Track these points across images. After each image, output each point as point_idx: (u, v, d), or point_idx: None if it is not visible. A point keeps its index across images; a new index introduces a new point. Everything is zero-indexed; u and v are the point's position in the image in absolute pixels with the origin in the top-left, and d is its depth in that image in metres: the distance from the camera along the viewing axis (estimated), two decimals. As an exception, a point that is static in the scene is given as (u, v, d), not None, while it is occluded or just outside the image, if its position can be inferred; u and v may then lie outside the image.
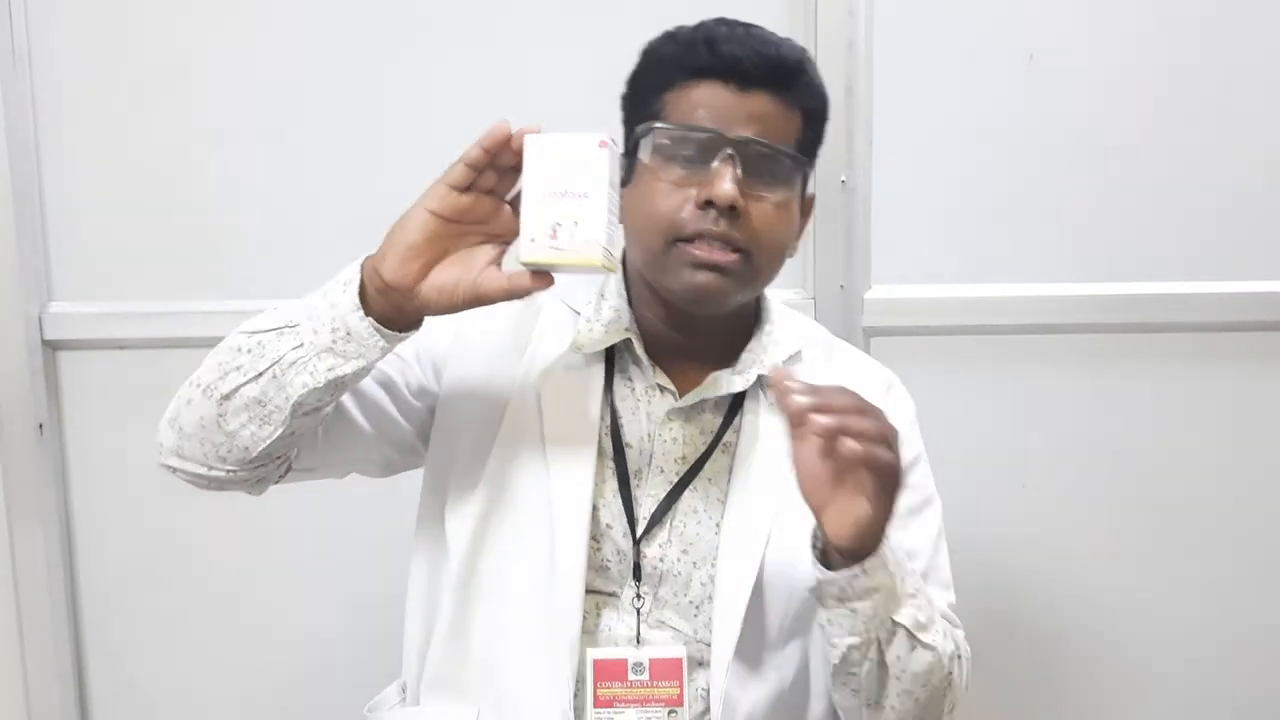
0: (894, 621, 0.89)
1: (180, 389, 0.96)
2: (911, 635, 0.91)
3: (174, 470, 0.99)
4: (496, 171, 0.85)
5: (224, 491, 0.99)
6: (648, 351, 1.02)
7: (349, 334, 0.86)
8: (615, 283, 1.04)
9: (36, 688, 1.60)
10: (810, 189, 1.04)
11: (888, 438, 0.83)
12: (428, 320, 0.96)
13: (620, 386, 1.03)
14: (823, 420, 0.81)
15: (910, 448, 1.07)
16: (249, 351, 0.89)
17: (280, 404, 0.89)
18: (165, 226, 1.54)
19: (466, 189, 0.85)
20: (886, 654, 0.90)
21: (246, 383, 0.89)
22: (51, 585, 1.58)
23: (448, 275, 0.85)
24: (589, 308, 1.03)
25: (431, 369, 1.04)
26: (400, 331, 0.88)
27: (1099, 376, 1.57)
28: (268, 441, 0.91)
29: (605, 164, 0.81)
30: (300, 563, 1.60)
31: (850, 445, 0.81)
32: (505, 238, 0.88)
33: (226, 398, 0.90)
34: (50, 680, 1.60)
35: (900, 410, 1.09)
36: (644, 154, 0.97)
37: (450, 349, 1.04)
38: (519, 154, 0.83)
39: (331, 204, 1.53)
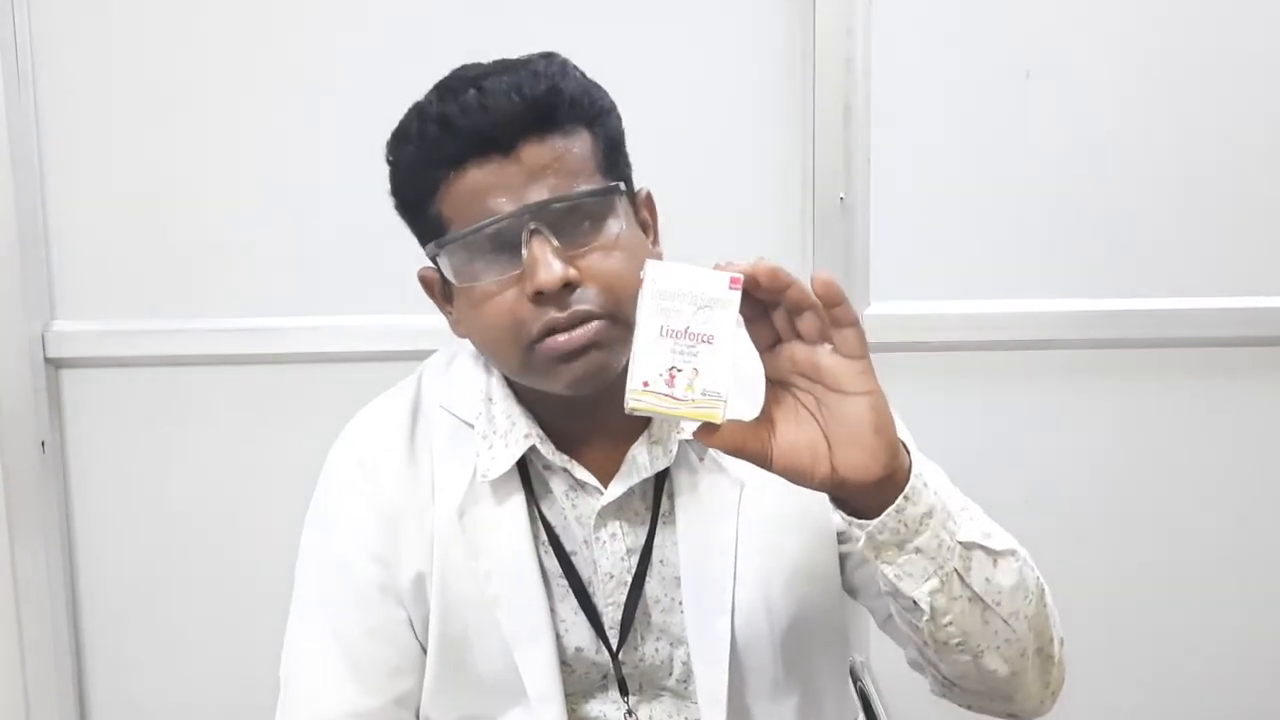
0: (962, 544, 0.78)
1: None
2: (986, 550, 0.80)
3: None
4: None
5: None
6: (554, 443, 0.93)
7: None
8: (498, 384, 0.94)
9: (38, 703, 1.60)
10: (638, 188, 0.93)
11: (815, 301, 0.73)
12: (341, 518, 0.95)
13: (542, 496, 0.94)
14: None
15: None
16: None
17: None
18: (168, 244, 1.55)
19: None
20: (972, 583, 0.78)
21: None
22: (53, 601, 1.58)
23: None
24: (480, 420, 0.93)
25: (384, 570, 0.95)
26: None
27: (1099, 391, 1.57)
28: None
29: (736, 307, 0.71)
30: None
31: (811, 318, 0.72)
32: None
33: None
34: (51, 696, 1.60)
35: None
36: (449, 274, 0.87)
37: (378, 534, 0.95)
38: None
39: (335, 221, 1.54)
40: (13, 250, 1.51)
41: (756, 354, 0.76)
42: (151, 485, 1.60)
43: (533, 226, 0.82)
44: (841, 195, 1.51)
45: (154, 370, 1.57)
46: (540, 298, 0.82)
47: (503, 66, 0.87)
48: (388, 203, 1.52)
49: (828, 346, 0.73)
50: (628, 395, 0.72)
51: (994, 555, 0.80)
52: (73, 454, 1.60)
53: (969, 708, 0.91)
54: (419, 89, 1.50)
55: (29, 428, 1.54)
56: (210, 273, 1.56)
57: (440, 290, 0.94)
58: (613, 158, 0.89)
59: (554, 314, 0.82)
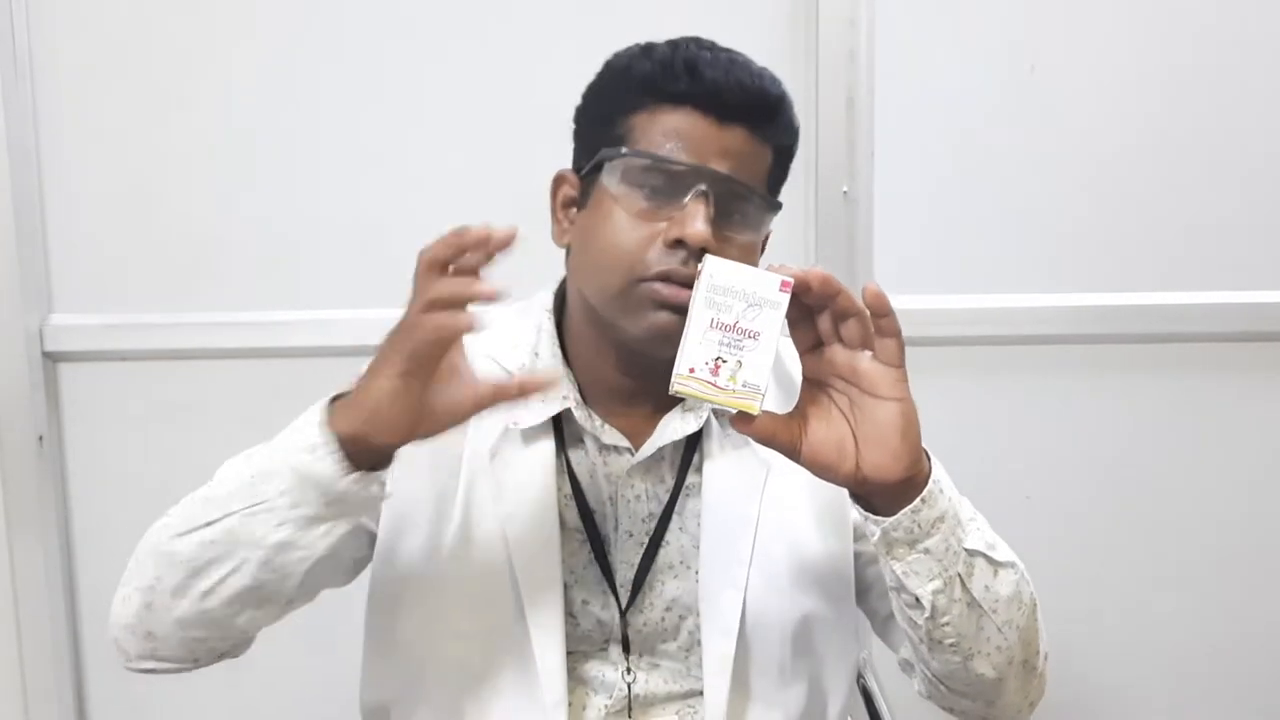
0: (967, 551, 0.83)
1: (122, 595, 0.87)
2: (989, 559, 0.84)
3: (151, 671, 0.91)
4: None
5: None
6: (594, 404, 0.96)
7: (341, 497, 0.79)
8: (548, 339, 0.97)
9: (36, 699, 1.60)
10: (769, 230, 0.99)
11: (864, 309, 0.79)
12: None
13: (574, 450, 0.97)
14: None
15: None
16: (214, 543, 0.82)
17: (278, 584, 0.83)
18: (166, 238, 1.55)
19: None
20: (972, 588, 0.83)
21: (229, 575, 0.82)
22: (51, 597, 1.58)
23: (448, 399, 0.78)
24: (523, 372, 0.95)
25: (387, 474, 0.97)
26: (386, 467, 0.82)
27: (1102, 387, 1.57)
28: (271, 620, 0.87)
29: (784, 308, 0.76)
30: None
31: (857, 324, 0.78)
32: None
33: (209, 593, 0.83)
34: (49, 692, 1.59)
35: None
36: (609, 180, 0.90)
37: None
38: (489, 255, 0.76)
39: (332, 215, 1.53)
40: (10, 244, 1.51)
41: (796, 353, 0.82)
42: (150, 480, 1.59)
43: (704, 188, 0.87)
44: (845, 189, 1.50)
45: (152, 364, 1.57)
46: (677, 245, 0.86)
47: (747, 59, 0.93)
48: (386, 197, 1.53)
49: (867, 353, 0.79)
50: (674, 379, 0.77)
51: (996, 566, 0.85)
52: (70, 448, 1.59)
53: (950, 710, 0.95)
54: (416, 85, 1.51)
55: (26, 422, 1.54)
56: (209, 267, 1.55)
57: (564, 196, 0.97)
58: (776, 186, 0.96)
59: (676, 265, 0.86)
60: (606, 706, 0.98)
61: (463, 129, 1.51)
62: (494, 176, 1.47)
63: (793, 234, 1.51)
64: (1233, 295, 1.54)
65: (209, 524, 0.83)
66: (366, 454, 0.79)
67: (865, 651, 1.45)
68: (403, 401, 0.77)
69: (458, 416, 0.79)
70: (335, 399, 0.82)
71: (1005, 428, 1.57)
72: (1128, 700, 1.63)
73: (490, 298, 0.74)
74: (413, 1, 1.50)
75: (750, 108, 0.89)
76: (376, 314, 1.50)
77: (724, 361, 0.77)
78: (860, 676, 1.38)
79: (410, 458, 0.93)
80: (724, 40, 0.98)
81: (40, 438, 1.55)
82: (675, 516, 0.97)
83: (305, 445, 0.80)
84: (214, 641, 0.89)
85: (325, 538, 0.82)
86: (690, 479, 0.97)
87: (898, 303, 1.62)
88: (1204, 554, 1.60)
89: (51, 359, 1.57)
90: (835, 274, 0.77)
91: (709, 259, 0.77)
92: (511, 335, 1.00)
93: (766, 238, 0.99)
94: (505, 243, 0.75)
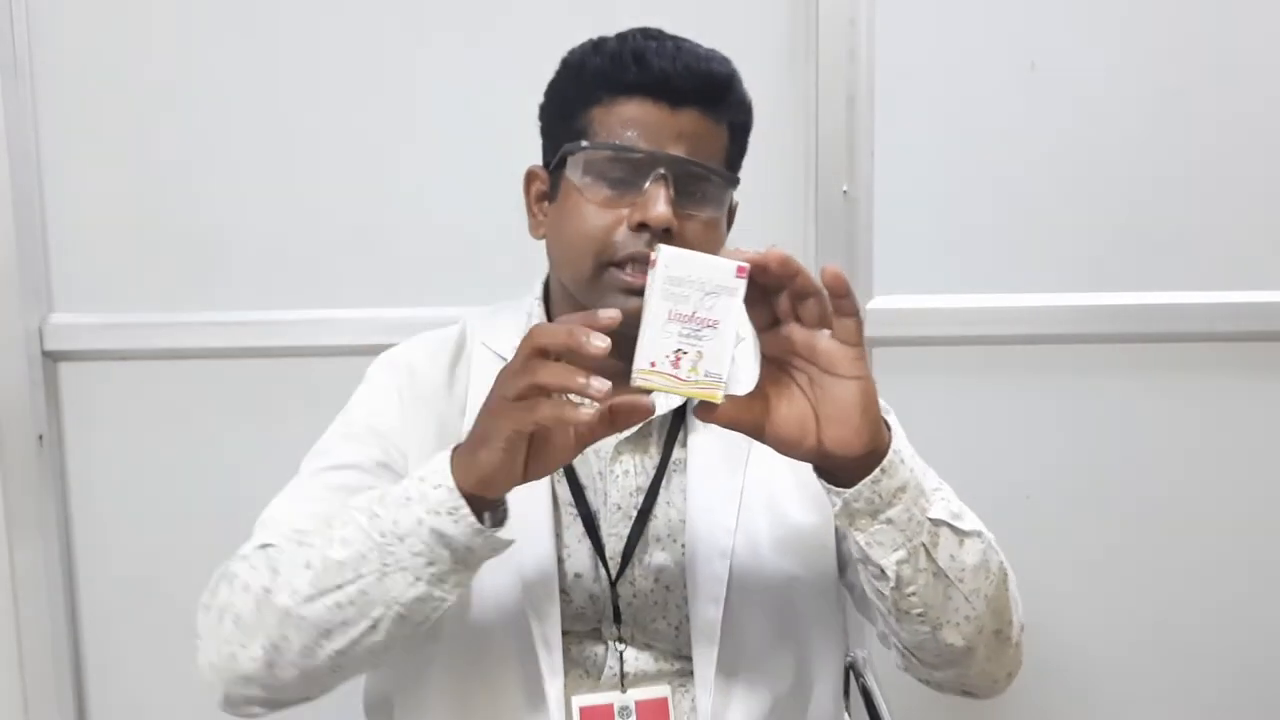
0: (931, 521, 0.83)
1: (229, 651, 0.88)
2: (953, 528, 0.85)
3: (254, 716, 0.93)
4: None
5: None
6: None
7: (470, 549, 0.82)
8: (538, 322, 1.02)
9: (35, 700, 1.59)
10: (734, 202, 1.03)
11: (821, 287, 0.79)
12: (370, 403, 1.02)
13: None
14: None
15: None
16: (348, 604, 0.83)
17: (412, 631, 0.86)
18: (166, 238, 1.54)
19: None
20: (938, 557, 0.84)
21: (365, 634, 0.84)
22: (50, 596, 1.57)
23: (556, 444, 0.81)
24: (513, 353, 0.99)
25: (398, 453, 1.01)
26: (506, 515, 0.85)
27: (1103, 387, 1.56)
28: (385, 657, 0.89)
29: (742, 294, 0.76)
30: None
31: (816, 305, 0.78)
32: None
33: (343, 652, 0.85)
34: (49, 692, 1.59)
35: None
36: (573, 173, 0.95)
37: (402, 427, 1.01)
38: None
39: (333, 215, 1.53)
40: (10, 243, 1.50)
41: (753, 332, 0.83)
42: (150, 479, 1.59)
43: (663, 172, 0.91)
44: (845, 188, 1.50)
45: (152, 364, 1.56)
46: (641, 229, 0.91)
47: (693, 44, 0.98)
48: (386, 197, 1.53)
49: (825, 332, 0.79)
50: (634, 373, 0.76)
51: (961, 535, 0.86)
52: (70, 448, 1.59)
53: (926, 682, 0.96)
54: (415, 85, 1.51)
55: (26, 421, 1.53)
56: (209, 266, 1.55)
57: (536, 191, 1.03)
58: (735, 161, 1.01)
59: (643, 247, 0.91)
60: (598, 685, 0.99)
61: (462, 128, 1.51)
62: (493, 176, 1.47)
63: (792, 234, 1.51)
64: (1233, 295, 1.53)
65: (339, 587, 0.84)
66: (485, 502, 0.82)
67: (865, 651, 1.45)
68: (509, 466, 0.79)
69: (566, 458, 0.83)
70: (455, 450, 0.83)
71: (1005, 428, 1.57)
72: (1128, 699, 1.63)
73: (599, 398, 0.74)
74: (412, 3, 1.50)
75: (700, 90, 0.94)
76: (376, 314, 1.53)
77: (684, 353, 0.76)
78: (860, 676, 1.38)
79: (419, 443, 0.99)
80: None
81: (40, 437, 1.55)
82: (662, 491, 1.00)
83: (440, 506, 0.81)
84: (337, 683, 0.90)
85: (457, 587, 0.84)
86: (676, 454, 1.00)
87: (898, 302, 1.63)
88: (1204, 553, 1.59)
89: (51, 358, 1.57)
90: (840, 273, 0.78)
91: (662, 249, 0.77)
92: (502, 325, 1.05)
93: (734, 210, 1.04)
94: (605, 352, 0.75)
